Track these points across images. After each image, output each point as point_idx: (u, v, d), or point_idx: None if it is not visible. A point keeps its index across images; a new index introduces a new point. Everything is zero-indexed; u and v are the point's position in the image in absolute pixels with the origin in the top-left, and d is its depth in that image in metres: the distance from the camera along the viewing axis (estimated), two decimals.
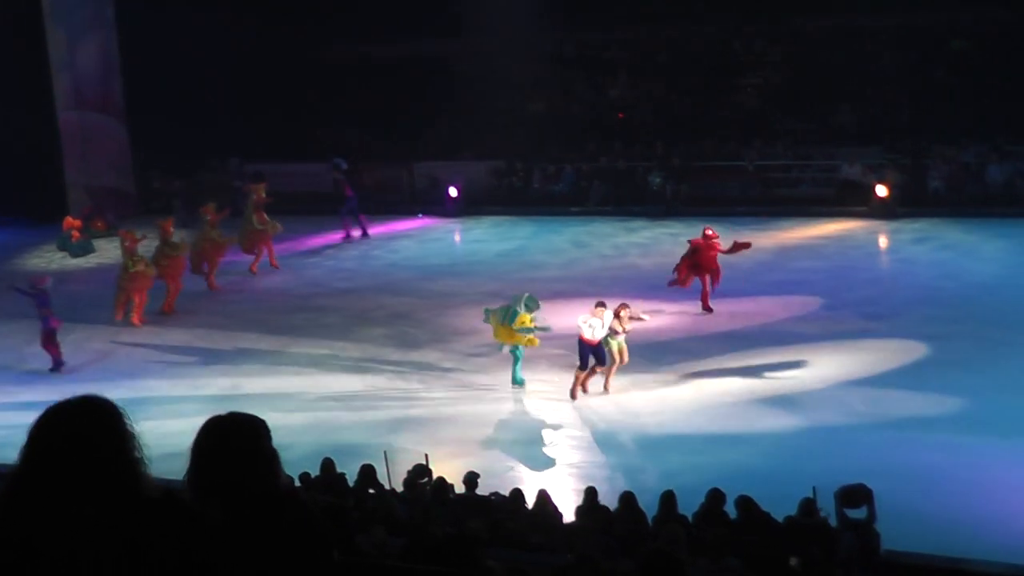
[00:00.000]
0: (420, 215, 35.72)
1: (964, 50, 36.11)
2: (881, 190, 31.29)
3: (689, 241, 23.26)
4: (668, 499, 12.50)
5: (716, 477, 13.86)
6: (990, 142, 32.39)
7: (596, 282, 25.35)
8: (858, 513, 12.07)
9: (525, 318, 18.81)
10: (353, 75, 40.74)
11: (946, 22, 36.74)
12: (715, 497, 12.49)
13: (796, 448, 16.13)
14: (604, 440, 17.18)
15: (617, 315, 18.61)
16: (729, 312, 22.72)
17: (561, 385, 18.92)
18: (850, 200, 32.11)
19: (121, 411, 4.25)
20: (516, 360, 19.23)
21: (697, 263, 22.75)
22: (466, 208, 35.45)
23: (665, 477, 14.40)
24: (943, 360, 19.03)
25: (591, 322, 18.32)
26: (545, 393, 19.05)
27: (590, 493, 12.84)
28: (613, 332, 18.60)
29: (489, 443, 17.18)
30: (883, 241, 29.65)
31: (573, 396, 18.68)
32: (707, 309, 22.82)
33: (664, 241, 29.74)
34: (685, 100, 38.07)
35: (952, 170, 31.92)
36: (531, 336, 18.94)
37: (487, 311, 19.70)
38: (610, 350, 18.61)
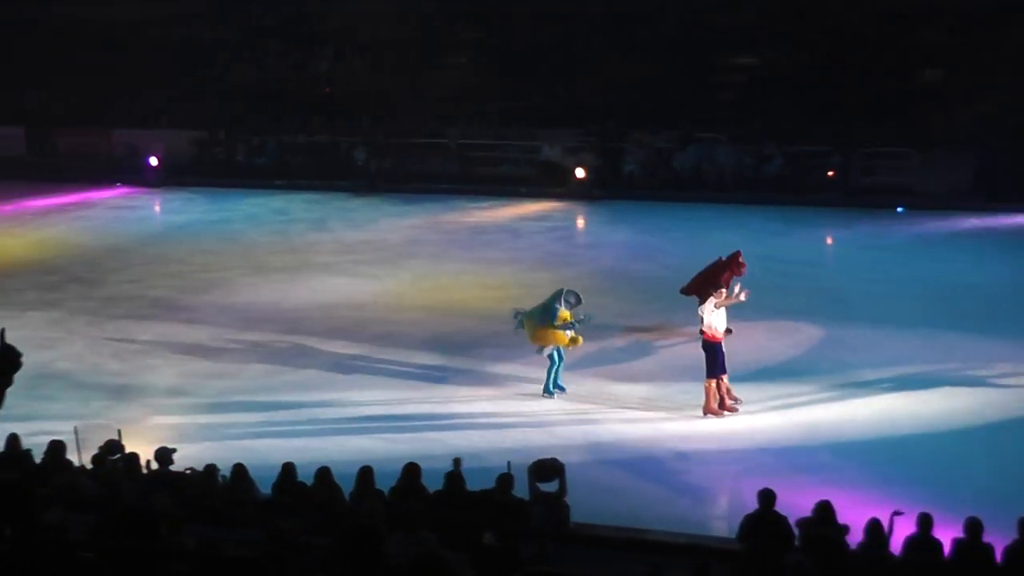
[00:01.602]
0: (117, 184, 34.62)
1: (657, 38, 37.50)
2: (579, 172, 32.23)
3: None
4: (365, 474, 12.54)
5: (412, 453, 14.03)
6: (680, 129, 33.79)
7: (303, 256, 25.32)
8: (550, 487, 12.42)
9: (565, 314, 17.09)
10: (49, 36, 39.14)
11: (646, 11, 38.04)
12: (411, 471, 12.60)
13: (495, 425, 16.47)
14: (311, 417, 17.06)
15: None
16: (419, 289, 23.13)
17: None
18: (550, 181, 32.97)
19: None
20: (555, 364, 17.30)
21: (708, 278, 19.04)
22: (167, 178, 34.59)
23: (359, 454, 14.45)
24: (631, 345, 19.64)
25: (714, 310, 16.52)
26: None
27: (286, 468, 12.76)
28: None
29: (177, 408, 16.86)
30: (580, 222, 30.58)
31: (719, 412, 16.55)
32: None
33: (367, 214, 29.99)
34: (390, 76, 38.16)
35: (646, 155, 33.12)
36: (574, 334, 17.22)
37: (519, 316, 17.53)
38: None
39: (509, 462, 12.69)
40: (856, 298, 21.56)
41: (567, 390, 17.41)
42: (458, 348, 19.56)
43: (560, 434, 15.99)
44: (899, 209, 28.52)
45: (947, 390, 17.28)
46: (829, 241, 26.35)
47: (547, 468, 12.53)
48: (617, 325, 19.86)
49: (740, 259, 18.85)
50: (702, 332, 16.66)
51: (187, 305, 22.35)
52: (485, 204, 31.24)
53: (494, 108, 36.57)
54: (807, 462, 15.04)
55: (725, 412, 16.55)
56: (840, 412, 16.52)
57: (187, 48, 38.89)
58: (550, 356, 17.29)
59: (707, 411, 16.56)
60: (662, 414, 16.74)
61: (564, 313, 17.09)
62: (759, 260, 23.96)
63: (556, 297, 17.28)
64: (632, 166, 33.04)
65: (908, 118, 32.21)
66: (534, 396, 17.42)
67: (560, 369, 17.40)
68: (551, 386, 17.40)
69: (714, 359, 16.46)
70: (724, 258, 19.06)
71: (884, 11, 35.92)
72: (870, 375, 17.75)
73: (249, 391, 17.98)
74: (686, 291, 19.20)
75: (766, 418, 16.52)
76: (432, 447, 15.25)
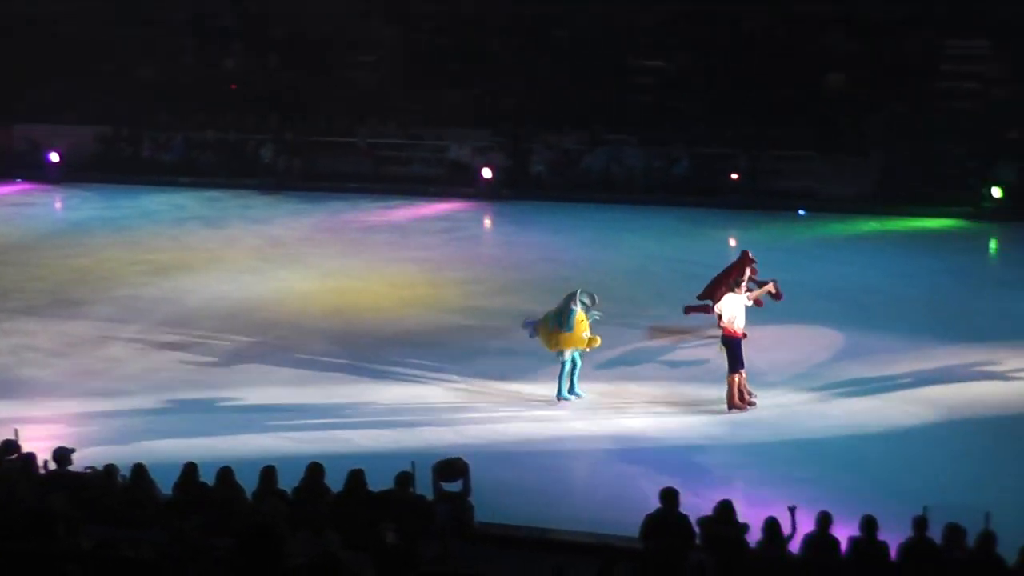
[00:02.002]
0: (18, 180, 33.99)
1: (566, 39, 37.69)
2: (487, 172, 32.26)
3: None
4: (267, 474, 12.45)
5: (316, 452, 13.96)
6: (588, 130, 33.96)
7: (201, 253, 25.08)
8: (454, 486, 12.42)
9: (581, 316, 16.84)
10: None
11: (556, 13, 38.20)
12: (314, 471, 12.53)
13: (402, 423, 16.43)
14: (214, 416, 16.89)
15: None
16: (325, 288, 23.04)
17: None
18: (458, 181, 32.98)
19: None
20: (575, 368, 17.06)
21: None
22: (70, 175, 34.02)
23: (262, 453, 14.34)
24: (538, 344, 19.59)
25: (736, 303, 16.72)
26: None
27: (187, 468, 12.61)
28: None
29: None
30: (487, 222, 30.62)
31: (742, 406, 16.78)
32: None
33: (269, 211, 29.85)
34: (300, 74, 37.89)
35: (554, 156, 33.23)
36: (591, 335, 16.97)
37: (531, 324, 17.32)
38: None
39: (413, 462, 12.67)
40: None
41: (584, 396, 17.19)
42: (365, 347, 19.49)
43: (467, 433, 16.02)
44: (800, 212, 28.93)
45: (849, 388, 17.54)
46: (732, 243, 26.64)
47: (451, 467, 12.54)
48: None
49: (750, 255, 18.43)
50: (722, 328, 16.77)
51: (84, 300, 22.05)
52: (394, 203, 31.15)
53: (404, 108, 36.44)
54: (710, 461, 15.20)
55: (747, 406, 16.73)
56: (744, 411, 16.69)
57: (93, 42, 38.25)
58: (570, 360, 17.04)
59: (731, 406, 16.72)
60: (567, 413, 16.82)
61: (580, 315, 16.87)
62: (667, 261, 24.30)
63: (570, 299, 16.98)
64: (540, 167, 33.11)
65: (813, 122, 32.64)
66: (442, 395, 17.42)
67: (577, 374, 17.18)
68: (567, 391, 17.14)
69: (735, 354, 16.63)
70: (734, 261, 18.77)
71: (790, 16, 36.38)
72: (774, 375, 17.95)
73: (150, 390, 17.77)
74: (700, 297, 18.85)
75: (671, 419, 16.66)
76: (338, 447, 15.20)
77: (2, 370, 18.51)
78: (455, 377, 18.09)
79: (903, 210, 29.32)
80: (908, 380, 17.79)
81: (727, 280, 17.78)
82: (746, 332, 16.80)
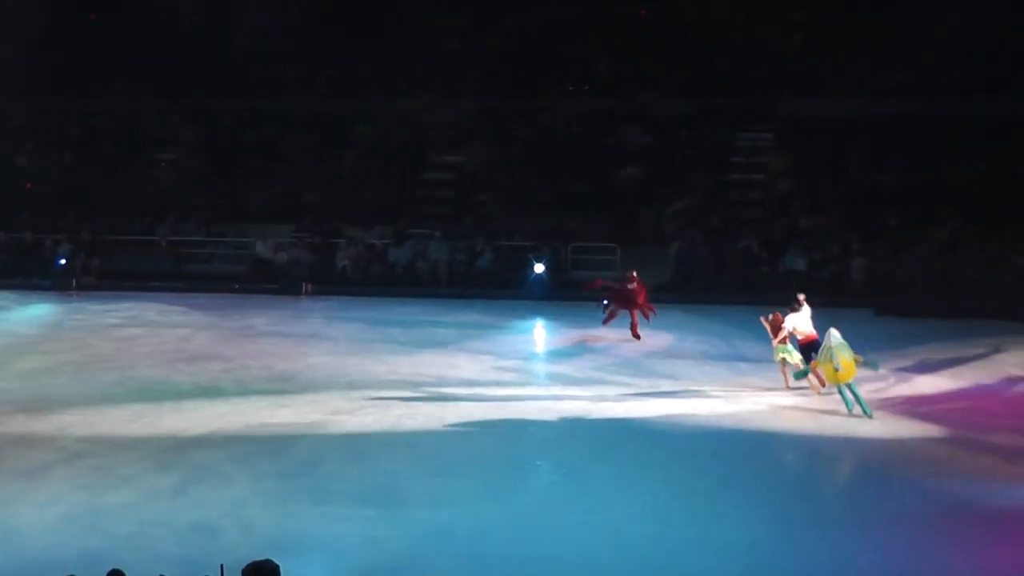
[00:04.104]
0: None
1: (369, 136, 38.02)
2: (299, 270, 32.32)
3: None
4: None
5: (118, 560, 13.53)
6: (392, 225, 34.18)
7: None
8: None
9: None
10: None
11: (355, 110, 38.54)
12: None
13: (207, 528, 16.02)
14: None
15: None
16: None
17: None
18: (262, 277, 32.77)
19: None
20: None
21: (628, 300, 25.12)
22: None
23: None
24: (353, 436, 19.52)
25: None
26: None
27: None
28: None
29: None
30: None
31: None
32: (636, 336, 25.19)
33: (73, 314, 29.05)
34: (96, 173, 37.27)
35: (358, 250, 33.30)
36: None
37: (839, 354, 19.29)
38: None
39: (222, 565, 12.36)
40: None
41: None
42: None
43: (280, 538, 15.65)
44: (605, 301, 29.51)
45: None
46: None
47: (262, 570, 12.27)
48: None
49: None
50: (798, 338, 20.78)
51: None
52: (202, 302, 30.45)
53: (205, 204, 36.14)
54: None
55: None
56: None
57: None
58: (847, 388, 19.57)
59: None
60: None
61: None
62: (478, 354, 24.56)
63: (841, 346, 19.34)
64: (345, 262, 33.14)
65: (613, 214, 33.53)
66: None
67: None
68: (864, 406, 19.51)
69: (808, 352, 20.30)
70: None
71: (586, 111, 37.46)
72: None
73: None
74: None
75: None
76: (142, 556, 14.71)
77: None
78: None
79: (701, 297, 30.08)
80: None
81: (776, 326, 21.18)
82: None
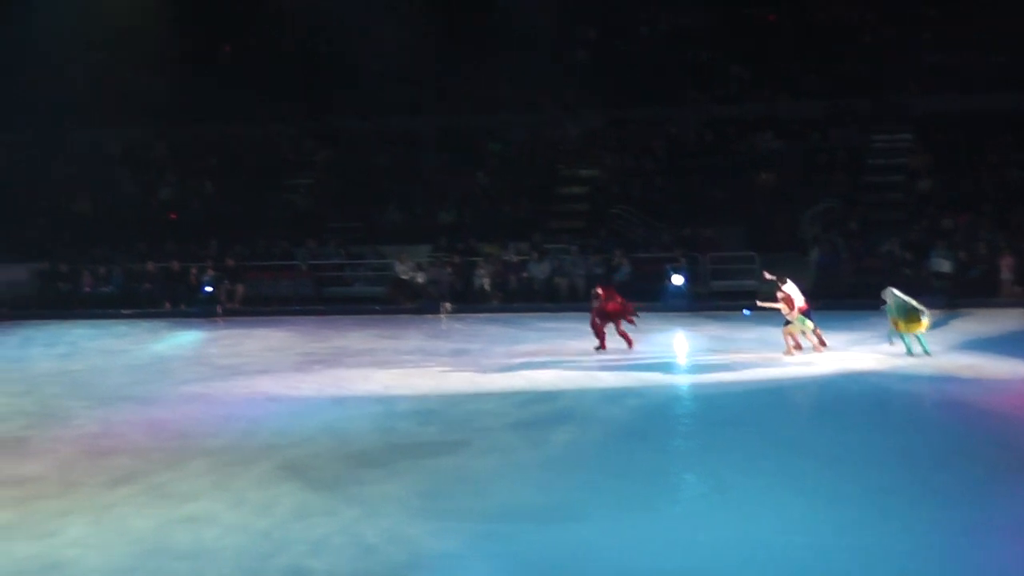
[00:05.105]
0: None
1: (500, 153, 38.27)
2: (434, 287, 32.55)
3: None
4: None
5: None
6: (528, 240, 34.30)
7: (146, 386, 24.68)
8: None
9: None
10: None
11: (487, 127, 38.84)
12: None
13: (362, 545, 16.15)
14: None
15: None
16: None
17: None
18: (402, 298, 33.13)
19: None
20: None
21: (604, 315, 24.82)
22: (9, 313, 33.66)
23: None
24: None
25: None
26: None
27: None
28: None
29: None
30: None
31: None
32: (629, 345, 25.13)
33: (217, 338, 29.52)
34: (237, 200, 38.10)
35: (496, 267, 33.47)
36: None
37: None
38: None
39: None
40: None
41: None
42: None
43: None
44: (745, 312, 29.19)
45: None
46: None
47: None
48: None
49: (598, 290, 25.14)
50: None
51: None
52: (344, 324, 30.87)
53: (341, 227, 36.71)
54: None
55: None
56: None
57: (29, 177, 38.26)
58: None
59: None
60: None
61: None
62: (615, 368, 24.40)
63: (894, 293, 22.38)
64: (483, 279, 33.36)
65: (748, 221, 33.23)
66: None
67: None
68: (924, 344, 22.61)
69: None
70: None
71: (717, 118, 37.26)
72: None
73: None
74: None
75: None
76: None
77: None
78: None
79: (838, 303, 29.58)
80: None
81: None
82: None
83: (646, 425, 19.84)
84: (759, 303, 24.90)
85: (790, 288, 23.37)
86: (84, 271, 35.54)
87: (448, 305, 32.40)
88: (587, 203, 36.68)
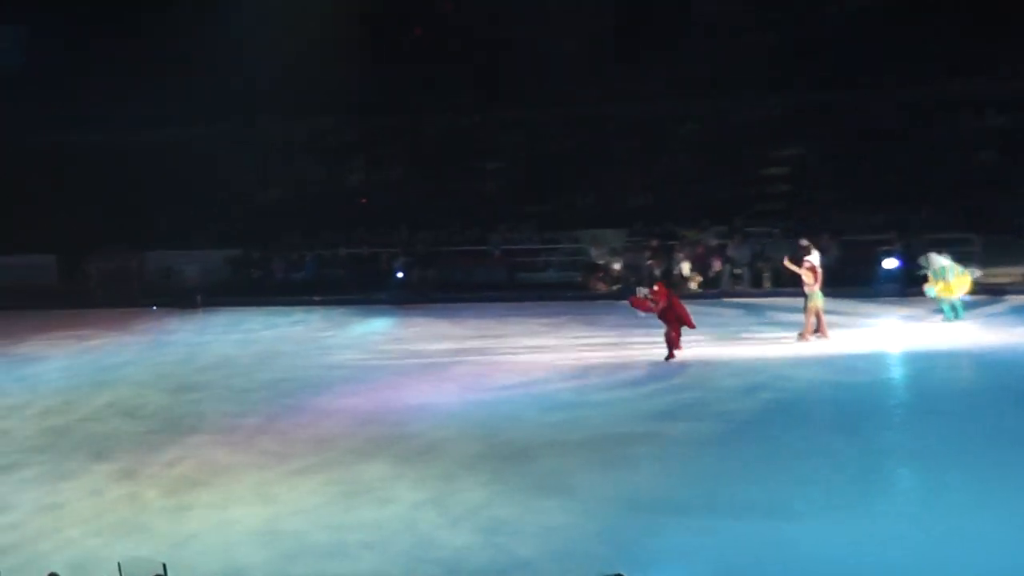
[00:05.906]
0: (154, 307, 33.65)
1: (696, 134, 37.10)
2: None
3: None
4: None
5: None
6: (727, 224, 33.02)
7: (349, 370, 24.26)
8: None
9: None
10: (71, 162, 38.78)
11: (675, 108, 37.68)
12: None
13: (561, 531, 15.28)
14: None
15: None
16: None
17: None
18: (598, 283, 32.17)
19: None
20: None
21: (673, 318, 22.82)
22: (205, 299, 33.66)
23: None
24: None
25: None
26: None
27: None
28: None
29: None
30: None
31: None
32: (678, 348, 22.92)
33: (411, 327, 28.99)
34: (426, 186, 37.70)
35: (696, 251, 32.26)
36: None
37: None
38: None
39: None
40: None
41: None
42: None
43: None
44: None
45: None
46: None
47: None
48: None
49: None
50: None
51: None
52: (531, 309, 30.07)
53: (533, 212, 35.96)
54: None
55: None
56: None
57: (217, 165, 38.40)
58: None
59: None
60: None
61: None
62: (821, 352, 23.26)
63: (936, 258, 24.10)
64: (683, 263, 32.13)
65: (965, 202, 31.47)
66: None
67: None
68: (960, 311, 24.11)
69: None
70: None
71: (919, 97, 35.46)
72: None
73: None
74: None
75: None
76: None
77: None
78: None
79: None
80: None
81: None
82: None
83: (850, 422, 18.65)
84: (786, 262, 24.67)
85: (816, 259, 23.39)
86: (275, 258, 35.43)
87: (643, 291, 31.20)
88: (786, 185, 35.27)
